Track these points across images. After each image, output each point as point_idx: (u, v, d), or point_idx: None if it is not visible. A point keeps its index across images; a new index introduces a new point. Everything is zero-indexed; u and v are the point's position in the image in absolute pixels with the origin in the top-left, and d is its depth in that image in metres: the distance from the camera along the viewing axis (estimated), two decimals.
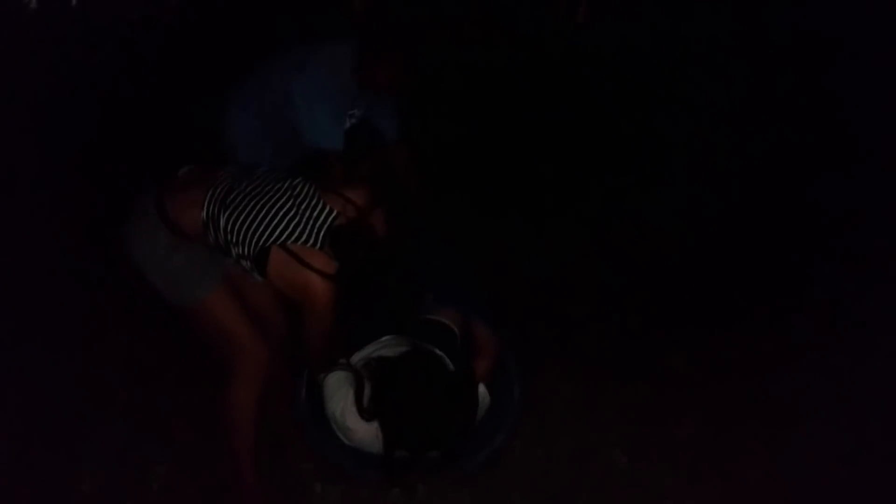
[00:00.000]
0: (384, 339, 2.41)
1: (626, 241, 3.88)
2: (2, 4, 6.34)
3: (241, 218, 1.93)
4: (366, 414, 2.16)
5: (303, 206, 1.97)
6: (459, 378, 2.23)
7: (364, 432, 2.19)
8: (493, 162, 4.68)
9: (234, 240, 1.94)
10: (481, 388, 2.28)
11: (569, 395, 2.75)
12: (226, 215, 1.94)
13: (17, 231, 3.60)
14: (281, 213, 1.94)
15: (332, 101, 2.64)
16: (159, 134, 4.42)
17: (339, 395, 2.22)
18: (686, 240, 3.90)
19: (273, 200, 1.97)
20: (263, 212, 1.94)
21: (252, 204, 1.95)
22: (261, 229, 1.93)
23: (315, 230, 1.95)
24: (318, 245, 1.94)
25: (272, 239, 1.92)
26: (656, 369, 2.93)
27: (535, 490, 2.33)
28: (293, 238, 1.93)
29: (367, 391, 2.19)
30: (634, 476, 2.41)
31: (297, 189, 2.01)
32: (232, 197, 1.97)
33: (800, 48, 5.90)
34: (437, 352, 2.33)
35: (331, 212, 1.97)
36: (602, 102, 5.47)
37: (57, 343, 2.88)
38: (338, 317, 2.03)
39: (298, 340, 2.15)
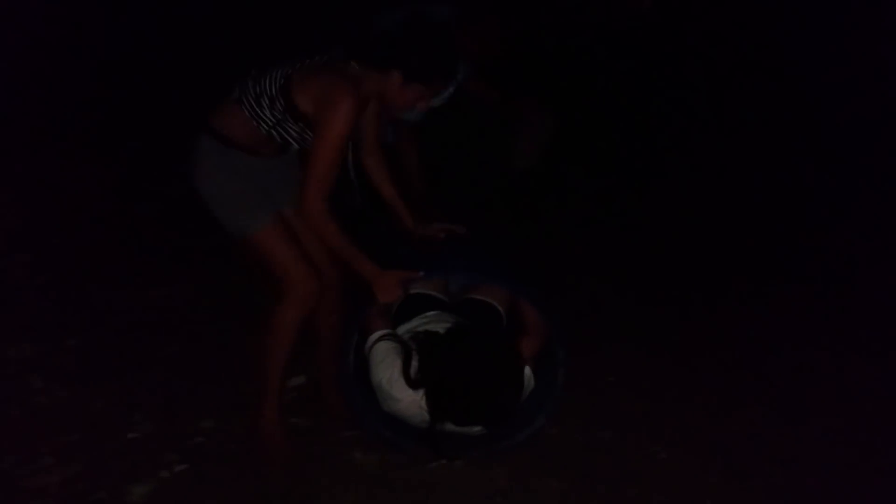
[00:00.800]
0: (429, 314, 2.42)
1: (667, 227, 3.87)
2: None
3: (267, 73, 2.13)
4: (413, 384, 2.18)
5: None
6: (507, 356, 2.23)
7: (409, 402, 2.22)
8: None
9: (265, 88, 2.10)
10: (527, 370, 2.29)
11: (615, 383, 2.74)
12: (253, 80, 2.14)
13: (69, 180, 3.71)
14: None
15: None
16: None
17: (387, 363, 2.24)
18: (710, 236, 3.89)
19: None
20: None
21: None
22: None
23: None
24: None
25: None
26: (706, 364, 2.89)
27: (572, 474, 2.31)
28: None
29: (414, 362, 2.21)
30: (674, 470, 2.37)
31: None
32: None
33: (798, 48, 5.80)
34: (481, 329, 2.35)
35: None
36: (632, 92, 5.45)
37: (113, 284, 2.96)
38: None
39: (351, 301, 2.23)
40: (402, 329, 2.40)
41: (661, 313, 3.27)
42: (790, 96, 5.41)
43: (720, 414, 2.62)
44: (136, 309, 3.01)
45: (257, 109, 2.12)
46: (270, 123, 2.13)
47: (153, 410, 2.41)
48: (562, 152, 4.53)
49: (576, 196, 4.48)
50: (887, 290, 3.41)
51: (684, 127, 5.18)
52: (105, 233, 3.59)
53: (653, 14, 6.52)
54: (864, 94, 5.19)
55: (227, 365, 2.69)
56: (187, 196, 2.29)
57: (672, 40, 5.97)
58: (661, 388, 2.75)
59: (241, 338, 2.73)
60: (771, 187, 4.51)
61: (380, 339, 2.29)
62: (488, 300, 2.48)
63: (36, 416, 2.39)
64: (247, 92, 2.13)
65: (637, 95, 5.46)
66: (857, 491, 2.30)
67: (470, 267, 2.49)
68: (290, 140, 2.16)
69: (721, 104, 5.41)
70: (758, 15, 6.06)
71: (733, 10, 6.13)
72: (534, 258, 3.38)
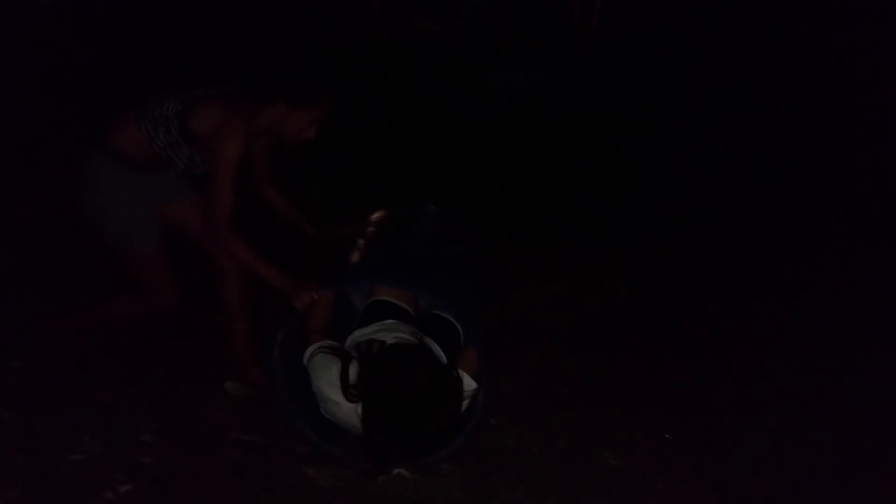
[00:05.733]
0: (387, 322, 2.42)
1: (628, 236, 3.92)
2: None
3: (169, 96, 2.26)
4: (351, 395, 2.18)
5: None
6: (444, 378, 2.23)
7: (348, 408, 2.21)
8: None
9: (165, 112, 2.24)
10: (467, 380, 2.27)
11: (565, 391, 2.77)
12: (155, 101, 2.26)
13: None
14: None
15: None
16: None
17: (324, 371, 2.25)
18: (686, 238, 3.94)
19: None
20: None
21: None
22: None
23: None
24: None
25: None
26: (654, 371, 2.95)
27: (525, 483, 2.33)
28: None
29: (353, 369, 2.20)
30: (624, 475, 2.41)
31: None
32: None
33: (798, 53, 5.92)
34: (434, 345, 2.36)
35: None
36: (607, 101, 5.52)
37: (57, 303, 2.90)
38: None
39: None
40: (358, 334, 2.39)
41: (615, 323, 3.31)
42: (782, 93, 5.45)
43: (672, 420, 2.67)
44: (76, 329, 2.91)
45: (153, 130, 2.26)
46: (162, 145, 2.27)
47: (97, 430, 2.35)
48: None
49: (537, 199, 4.50)
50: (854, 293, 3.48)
51: (658, 131, 5.22)
52: (42, 247, 3.49)
53: (601, 31, 6.68)
54: (864, 93, 5.27)
55: (168, 379, 2.66)
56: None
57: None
58: (614, 397, 2.79)
59: (186, 352, 2.76)
60: (760, 189, 4.53)
61: (317, 350, 2.30)
62: (448, 317, 2.50)
63: None
64: (147, 112, 2.27)
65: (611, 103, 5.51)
66: (800, 490, 2.36)
67: (386, 273, 2.52)
68: (179, 162, 2.33)
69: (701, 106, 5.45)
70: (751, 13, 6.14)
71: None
72: (493, 267, 3.39)
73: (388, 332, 2.34)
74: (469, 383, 2.28)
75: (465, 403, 2.29)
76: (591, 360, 2.98)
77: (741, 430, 2.64)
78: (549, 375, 2.85)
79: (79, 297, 2.92)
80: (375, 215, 2.90)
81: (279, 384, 2.38)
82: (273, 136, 2.41)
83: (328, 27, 6.11)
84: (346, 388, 2.18)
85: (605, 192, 4.55)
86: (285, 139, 2.38)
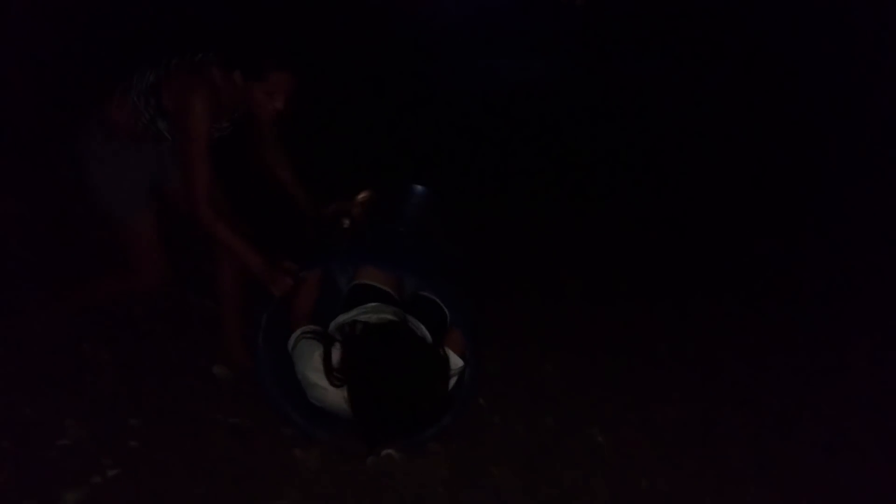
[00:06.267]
0: (369, 305, 2.40)
1: (617, 221, 3.92)
2: None
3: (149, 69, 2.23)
4: (335, 378, 2.16)
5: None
6: (429, 358, 2.22)
7: (334, 392, 2.20)
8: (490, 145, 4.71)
9: (145, 84, 2.21)
10: (455, 359, 2.27)
11: (553, 371, 2.78)
12: (139, 75, 2.24)
13: None
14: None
15: None
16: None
17: (308, 355, 2.24)
18: (676, 224, 3.94)
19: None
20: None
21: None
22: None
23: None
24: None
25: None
26: (642, 350, 2.96)
27: (514, 464, 2.34)
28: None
29: (336, 353, 2.19)
30: (612, 454, 2.42)
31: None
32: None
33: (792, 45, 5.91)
34: (419, 325, 2.35)
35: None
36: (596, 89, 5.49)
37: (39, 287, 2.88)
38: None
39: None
40: (342, 318, 2.38)
41: (603, 304, 3.31)
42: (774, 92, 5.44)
43: (658, 399, 2.68)
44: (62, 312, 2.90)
45: (138, 103, 2.23)
46: (147, 118, 2.24)
47: (83, 415, 2.35)
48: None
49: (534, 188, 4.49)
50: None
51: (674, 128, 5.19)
52: (24, 235, 3.45)
53: (587, 10, 6.65)
54: (864, 92, 5.24)
55: (154, 363, 2.65)
56: None
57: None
58: (601, 376, 2.80)
59: (173, 336, 2.75)
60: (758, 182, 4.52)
61: (301, 335, 2.28)
62: (435, 298, 2.48)
63: None
64: (133, 85, 2.24)
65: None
66: (778, 467, 2.40)
67: (369, 254, 2.51)
68: (165, 134, 2.28)
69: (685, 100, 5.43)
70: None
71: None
72: (481, 248, 3.38)
73: (372, 314, 2.33)
74: (455, 361, 2.28)
75: (452, 382, 2.29)
76: (579, 339, 2.99)
77: (728, 410, 2.65)
78: (536, 354, 2.86)
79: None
80: (361, 195, 2.88)
81: (264, 369, 2.38)
82: (249, 108, 2.30)
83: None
84: (329, 371, 2.17)
85: (600, 178, 4.53)
86: (254, 112, 2.29)
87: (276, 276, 2.26)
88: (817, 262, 3.71)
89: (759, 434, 2.54)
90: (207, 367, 2.64)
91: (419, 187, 3.04)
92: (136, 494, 2.09)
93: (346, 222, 2.63)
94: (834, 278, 3.57)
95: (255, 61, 2.15)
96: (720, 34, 6.10)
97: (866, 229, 4.00)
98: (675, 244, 3.81)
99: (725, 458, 2.41)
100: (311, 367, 2.22)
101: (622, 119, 5.22)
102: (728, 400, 2.71)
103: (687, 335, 3.10)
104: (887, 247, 3.76)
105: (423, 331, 2.35)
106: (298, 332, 2.31)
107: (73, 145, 2.33)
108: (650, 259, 3.68)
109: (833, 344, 3.06)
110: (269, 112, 2.24)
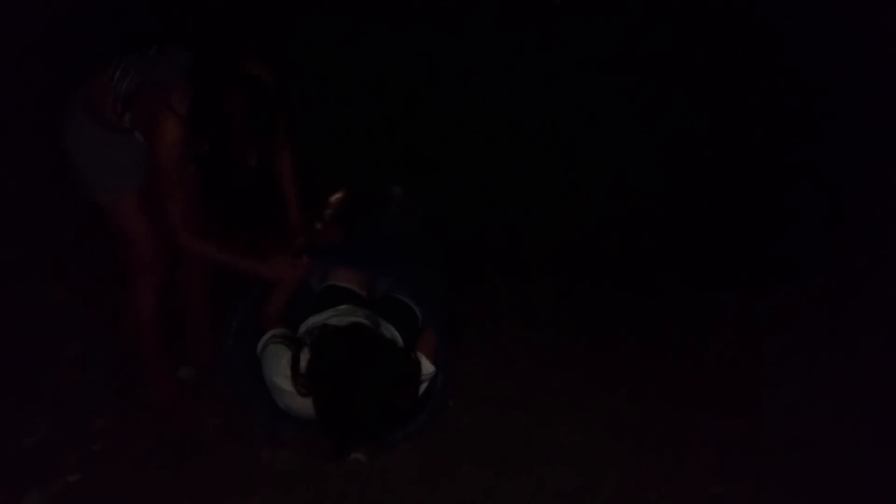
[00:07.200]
0: (341, 307, 2.38)
1: (591, 220, 3.94)
2: None
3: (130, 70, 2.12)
4: (301, 386, 2.11)
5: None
6: (404, 357, 2.19)
7: (303, 400, 2.14)
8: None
9: (123, 90, 2.10)
10: (426, 364, 2.25)
11: (525, 367, 2.77)
12: (122, 73, 2.12)
13: None
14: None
15: None
16: None
17: (276, 360, 2.19)
18: (656, 217, 3.97)
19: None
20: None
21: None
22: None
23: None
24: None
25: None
26: (614, 349, 2.96)
27: (486, 460, 2.33)
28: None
29: (304, 357, 2.14)
30: (585, 449, 2.42)
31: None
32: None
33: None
34: (391, 328, 2.32)
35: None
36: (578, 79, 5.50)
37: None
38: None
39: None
40: (312, 321, 2.34)
41: (575, 298, 3.32)
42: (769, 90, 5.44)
43: (630, 398, 2.69)
44: (27, 311, 2.88)
45: (117, 107, 2.12)
46: (126, 125, 2.14)
47: (50, 416, 2.32)
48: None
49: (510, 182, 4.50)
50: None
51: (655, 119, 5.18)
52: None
53: (563, 8, 6.65)
54: (864, 90, 5.14)
55: (123, 364, 2.59)
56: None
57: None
58: (574, 371, 2.80)
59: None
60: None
61: (270, 339, 2.24)
62: (405, 299, 2.46)
63: None
64: (115, 84, 2.12)
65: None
66: (747, 466, 2.41)
67: (340, 255, 2.48)
68: (142, 142, 2.14)
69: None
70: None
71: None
72: (457, 245, 3.38)
73: (343, 317, 2.29)
74: (427, 367, 2.25)
75: (423, 387, 2.27)
76: (551, 335, 2.97)
77: (700, 409, 2.66)
78: (509, 351, 2.84)
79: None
80: (334, 196, 2.87)
81: (235, 372, 2.33)
82: None
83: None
84: (296, 378, 2.11)
85: (575, 173, 4.54)
86: None
87: (286, 273, 2.26)
88: (798, 264, 3.74)
89: (729, 433, 2.56)
90: (174, 369, 2.60)
91: (396, 188, 3.03)
92: (100, 497, 2.06)
93: (319, 224, 2.61)
94: (815, 280, 3.60)
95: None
96: (719, 32, 6.10)
97: (869, 229, 4.00)
98: (648, 241, 3.82)
99: (696, 457, 2.42)
100: (279, 372, 2.17)
101: (612, 119, 5.23)
102: (700, 399, 2.72)
103: (660, 334, 3.11)
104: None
105: (395, 334, 2.32)
106: (268, 335, 2.26)
107: (59, 126, 2.23)
108: (623, 257, 3.69)
109: (801, 347, 3.08)
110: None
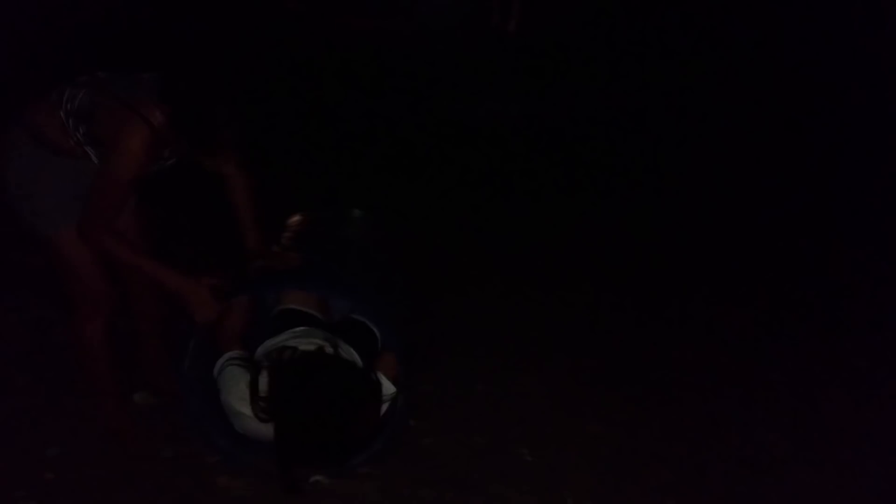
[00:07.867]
0: (298, 329, 2.38)
1: (554, 237, 4.00)
2: None
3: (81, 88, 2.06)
4: (260, 410, 2.08)
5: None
6: (365, 378, 2.19)
7: (261, 425, 2.14)
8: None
9: (76, 107, 2.04)
10: (387, 385, 2.26)
11: (482, 389, 2.80)
12: (71, 92, 2.05)
13: None
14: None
15: None
16: None
17: (234, 383, 2.18)
18: (617, 241, 4.04)
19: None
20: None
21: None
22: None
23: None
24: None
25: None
26: (570, 370, 3.01)
27: (443, 481, 2.35)
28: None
29: (263, 380, 2.12)
30: (540, 470, 2.45)
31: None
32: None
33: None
34: (350, 350, 2.32)
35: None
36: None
37: None
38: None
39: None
40: (270, 343, 2.33)
41: (532, 322, 3.36)
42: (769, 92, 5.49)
43: (585, 417, 2.73)
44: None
45: (67, 125, 2.06)
46: (77, 140, 2.07)
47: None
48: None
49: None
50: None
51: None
52: None
53: (518, 35, 6.79)
54: (864, 89, 5.29)
55: (72, 390, 2.54)
56: None
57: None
58: (530, 395, 2.84)
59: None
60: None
61: (228, 362, 2.22)
62: (366, 321, 2.47)
63: None
64: (64, 102, 2.07)
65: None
66: (701, 483, 2.47)
67: (293, 277, 2.43)
68: (94, 159, 2.08)
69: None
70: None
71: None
72: (417, 266, 3.38)
73: (301, 339, 2.29)
74: (388, 387, 2.26)
75: (385, 408, 2.27)
76: (507, 358, 3.02)
77: (655, 429, 2.72)
78: (466, 374, 2.88)
79: None
80: (292, 219, 2.86)
81: (190, 395, 2.30)
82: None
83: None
84: (255, 402, 2.09)
85: (534, 196, 4.61)
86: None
87: (199, 299, 2.11)
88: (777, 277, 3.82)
89: (684, 451, 2.61)
90: (129, 395, 2.56)
91: (356, 210, 3.04)
92: None
93: (275, 247, 2.59)
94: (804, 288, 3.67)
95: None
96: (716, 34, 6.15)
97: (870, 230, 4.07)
98: (605, 267, 3.89)
99: (655, 477, 2.47)
100: (237, 395, 2.15)
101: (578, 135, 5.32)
102: (657, 419, 2.77)
103: (618, 355, 3.16)
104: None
105: (354, 355, 2.32)
106: (225, 357, 2.25)
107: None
108: (581, 276, 3.76)
109: (761, 359, 3.17)
110: (212, 168, 2.18)
